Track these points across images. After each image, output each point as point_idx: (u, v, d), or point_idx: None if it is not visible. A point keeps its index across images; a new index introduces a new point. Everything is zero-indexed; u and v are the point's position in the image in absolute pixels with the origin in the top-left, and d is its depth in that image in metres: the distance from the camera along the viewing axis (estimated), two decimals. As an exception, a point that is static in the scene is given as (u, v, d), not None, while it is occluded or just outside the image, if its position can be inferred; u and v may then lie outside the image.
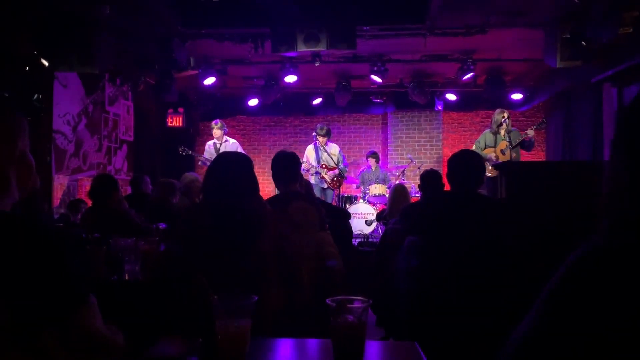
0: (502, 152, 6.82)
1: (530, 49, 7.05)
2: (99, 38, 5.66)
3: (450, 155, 3.07)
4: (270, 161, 3.31)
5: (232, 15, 6.01)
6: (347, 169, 8.07)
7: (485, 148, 7.00)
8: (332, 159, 7.87)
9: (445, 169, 3.04)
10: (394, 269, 3.81)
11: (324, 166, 7.90)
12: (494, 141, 6.96)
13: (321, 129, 7.91)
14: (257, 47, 6.55)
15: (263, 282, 2.01)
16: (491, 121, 7.08)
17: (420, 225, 2.93)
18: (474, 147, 7.15)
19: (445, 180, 3.49)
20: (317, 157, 7.90)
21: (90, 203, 3.86)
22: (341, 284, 3.07)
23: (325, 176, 7.83)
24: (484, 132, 7.15)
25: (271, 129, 10.98)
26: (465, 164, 2.92)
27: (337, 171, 7.93)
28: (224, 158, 2.37)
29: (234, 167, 2.24)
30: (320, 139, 7.87)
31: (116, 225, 3.35)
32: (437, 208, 2.89)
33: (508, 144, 6.75)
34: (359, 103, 9.88)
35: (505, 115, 6.88)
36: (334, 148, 8.01)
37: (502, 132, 6.86)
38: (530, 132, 6.73)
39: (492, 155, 6.87)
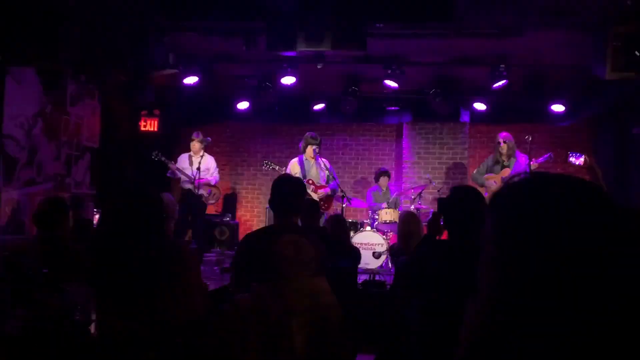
0: (503, 180, 6.97)
1: (575, 55, 7.06)
2: (63, 28, 5.70)
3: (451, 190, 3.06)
4: (261, 175, 3.35)
5: (220, 5, 6.04)
6: (338, 190, 8.07)
7: (486, 173, 7.23)
8: (327, 174, 7.89)
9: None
10: (406, 320, 3.79)
11: (311, 182, 7.87)
12: (498, 167, 7.19)
13: (315, 138, 7.94)
14: (249, 43, 6.57)
15: (238, 346, 2.00)
16: None
17: (420, 286, 2.91)
18: (474, 172, 7.43)
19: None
20: (303, 172, 7.89)
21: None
22: (343, 340, 3.04)
23: (313, 194, 7.78)
24: (488, 157, 7.43)
25: (264, 138, 11.00)
26: (465, 207, 2.89)
27: (328, 190, 7.92)
28: (127, 190, 2.46)
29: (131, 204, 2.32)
30: (312, 148, 7.86)
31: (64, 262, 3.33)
32: (436, 265, 2.87)
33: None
34: (370, 111, 9.92)
35: (501, 139, 7.11)
36: (323, 163, 8.03)
37: (503, 157, 7.03)
38: (534, 167, 6.85)
39: (493, 183, 7.03)
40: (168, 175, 8.30)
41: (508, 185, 1.07)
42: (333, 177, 8.04)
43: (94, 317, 2.55)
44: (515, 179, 1.07)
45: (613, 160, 8.61)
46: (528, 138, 7.26)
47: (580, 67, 7.41)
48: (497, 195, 1.08)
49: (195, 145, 8.21)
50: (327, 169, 7.98)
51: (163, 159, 8.06)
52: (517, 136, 10.12)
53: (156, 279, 2.22)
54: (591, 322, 0.92)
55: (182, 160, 8.34)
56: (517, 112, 9.37)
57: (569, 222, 0.95)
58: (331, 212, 8.11)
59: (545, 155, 7.60)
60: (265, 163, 8.33)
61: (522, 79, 8.47)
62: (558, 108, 9.11)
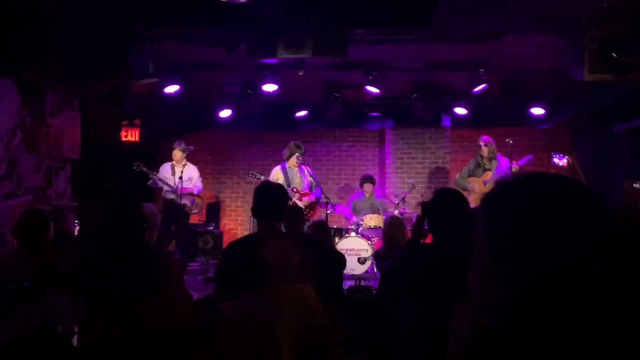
0: (485, 183, 7.06)
1: (554, 58, 7.14)
2: (42, 38, 5.64)
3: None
4: (245, 184, 3.35)
5: (200, 13, 6.02)
6: (321, 197, 8.09)
7: (468, 177, 7.35)
8: (311, 181, 7.89)
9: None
10: (396, 324, 3.78)
11: (295, 190, 7.88)
12: (479, 170, 7.28)
13: (299, 146, 7.97)
14: (230, 51, 6.56)
15: (224, 355, 1.98)
16: None
17: (406, 290, 2.91)
18: (457, 176, 7.56)
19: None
20: (287, 180, 7.89)
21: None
22: (330, 347, 3.01)
23: (298, 202, 7.78)
24: (470, 160, 7.58)
25: (246, 146, 10.97)
26: (449, 210, 2.89)
27: (312, 198, 7.93)
28: (107, 198, 2.47)
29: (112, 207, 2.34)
30: (296, 157, 7.88)
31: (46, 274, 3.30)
32: (421, 269, 2.86)
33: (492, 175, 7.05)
34: (352, 117, 9.95)
35: (482, 142, 7.20)
36: (306, 170, 8.04)
37: (485, 161, 7.13)
38: (515, 169, 6.96)
39: (475, 186, 7.11)
40: (149, 184, 8.27)
41: (500, 185, 1.06)
42: (316, 184, 8.06)
43: (76, 328, 2.51)
44: (508, 178, 1.06)
45: (592, 160, 8.70)
46: (509, 141, 7.33)
47: (558, 70, 7.47)
48: (489, 195, 1.07)
49: (177, 154, 8.17)
50: (310, 176, 7.99)
51: (144, 169, 8.02)
52: (498, 140, 10.23)
53: (139, 289, 2.19)
54: (587, 322, 0.91)
55: (165, 170, 8.30)
56: (498, 116, 9.45)
57: (563, 221, 0.94)
58: (315, 218, 8.11)
59: (526, 158, 7.67)
60: (251, 174, 8.30)
61: (502, 83, 8.53)
62: (538, 111, 9.19)
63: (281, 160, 8.27)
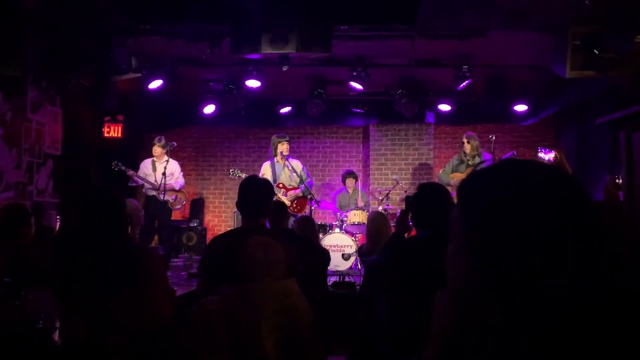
0: None
1: (536, 55, 7.19)
2: (23, 33, 5.57)
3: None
4: (229, 180, 3.32)
5: (183, 8, 5.99)
6: (311, 189, 8.05)
7: (452, 173, 7.43)
8: (295, 175, 7.86)
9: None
10: (379, 318, 3.79)
11: (281, 186, 7.86)
12: (463, 167, 7.36)
13: (282, 137, 7.93)
14: (214, 46, 6.54)
15: (207, 351, 1.97)
16: None
17: (390, 284, 2.92)
18: (440, 172, 7.63)
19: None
20: (274, 176, 7.87)
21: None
22: (313, 342, 3.01)
23: (283, 198, 7.76)
24: (453, 157, 7.67)
25: (230, 142, 10.94)
26: (432, 204, 2.90)
27: (298, 192, 7.89)
28: (88, 193, 2.47)
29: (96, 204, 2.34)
30: (280, 150, 7.84)
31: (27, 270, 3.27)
32: (405, 263, 2.87)
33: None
34: (336, 113, 9.93)
35: (465, 139, 7.25)
36: (292, 165, 7.98)
37: (468, 157, 7.19)
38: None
39: (457, 182, 7.18)
40: (130, 185, 8.19)
41: (475, 172, 1.04)
42: (307, 177, 8.01)
43: (58, 324, 2.49)
44: (482, 165, 1.05)
45: (575, 155, 8.78)
46: (492, 137, 7.38)
47: (541, 67, 7.53)
48: (465, 182, 1.05)
49: (157, 149, 8.08)
50: (294, 170, 7.93)
51: (123, 168, 7.93)
52: (482, 136, 10.30)
53: (121, 284, 2.18)
54: (564, 307, 0.89)
55: (145, 166, 8.22)
56: (481, 112, 9.48)
57: (538, 206, 0.92)
58: (303, 214, 8.09)
59: (509, 154, 7.73)
60: (232, 172, 8.26)
61: (486, 80, 8.58)
62: (521, 108, 9.26)
63: (265, 157, 8.25)
